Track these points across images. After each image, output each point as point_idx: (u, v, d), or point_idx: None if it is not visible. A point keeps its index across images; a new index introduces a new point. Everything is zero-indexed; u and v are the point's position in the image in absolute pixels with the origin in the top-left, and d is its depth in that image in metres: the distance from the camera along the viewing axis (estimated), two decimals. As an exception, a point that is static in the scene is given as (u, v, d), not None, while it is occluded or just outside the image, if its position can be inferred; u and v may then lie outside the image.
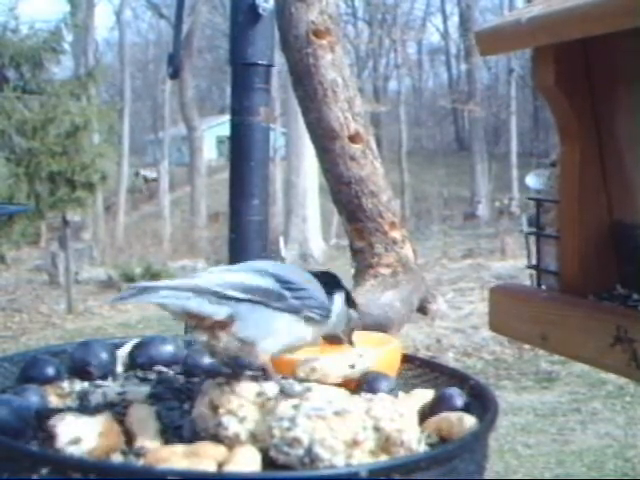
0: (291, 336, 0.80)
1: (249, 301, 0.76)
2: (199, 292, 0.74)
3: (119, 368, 0.93)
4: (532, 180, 1.18)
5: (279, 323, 0.78)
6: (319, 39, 1.49)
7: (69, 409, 0.80)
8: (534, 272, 1.14)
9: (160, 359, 0.93)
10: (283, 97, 15.40)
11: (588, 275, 1.03)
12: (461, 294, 9.99)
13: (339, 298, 0.86)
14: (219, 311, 0.74)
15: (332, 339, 0.88)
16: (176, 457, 0.65)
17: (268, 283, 0.78)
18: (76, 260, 12.40)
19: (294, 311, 0.79)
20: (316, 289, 0.83)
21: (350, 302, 0.89)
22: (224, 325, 0.75)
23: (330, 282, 0.86)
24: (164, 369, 0.92)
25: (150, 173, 25.87)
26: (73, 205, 10.56)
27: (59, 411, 0.77)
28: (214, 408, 0.70)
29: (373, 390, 0.82)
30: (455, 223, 20.03)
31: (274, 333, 0.77)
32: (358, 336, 0.92)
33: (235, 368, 0.86)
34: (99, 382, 0.87)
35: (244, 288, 0.76)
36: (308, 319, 0.80)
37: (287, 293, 0.78)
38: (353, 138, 1.50)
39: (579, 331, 0.96)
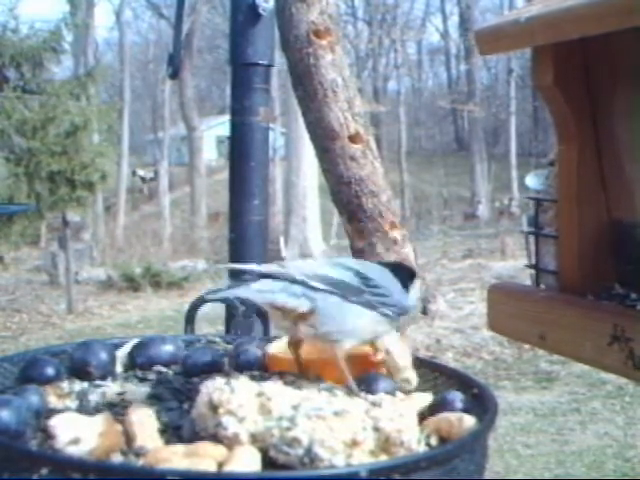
0: (366, 331, 0.83)
1: (329, 292, 0.79)
2: (287, 282, 0.78)
3: (119, 368, 0.93)
4: (532, 180, 1.18)
5: (356, 319, 0.81)
6: (319, 39, 1.49)
7: (69, 409, 0.80)
8: (534, 272, 1.14)
9: (160, 359, 0.93)
10: (283, 97, 15.41)
11: (586, 274, 1.03)
12: (461, 294, 9.99)
13: (414, 293, 0.89)
14: (302, 304, 0.78)
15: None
16: (176, 457, 0.65)
17: (348, 277, 0.82)
18: (76, 260, 12.40)
19: (370, 307, 0.82)
20: (393, 286, 0.85)
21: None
22: (306, 317, 0.79)
23: (405, 274, 0.89)
24: (164, 369, 0.92)
25: (147, 173, 25.85)
26: (73, 205, 10.56)
27: (59, 411, 0.77)
28: (214, 408, 0.70)
29: (372, 390, 0.82)
30: (455, 223, 20.04)
31: (350, 328, 0.81)
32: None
33: (235, 368, 0.86)
34: (99, 382, 0.87)
35: (327, 280, 0.80)
36: (383, 315, 0.83)
37: (365, 288, 0.82)
38: (353, 138, 1.50)
39: (577, 330, 0.96)
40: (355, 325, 0.81)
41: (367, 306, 0.81)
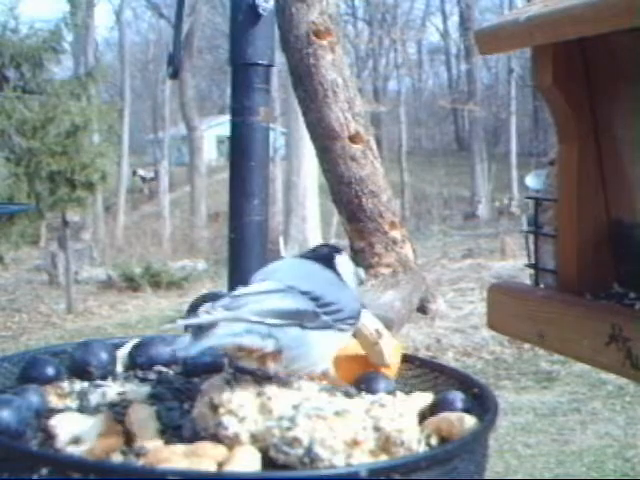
0: (331, 353, 0.82)
1: (287, 326, 0.77)
2: (246, 323, 0.75)
3: (119, 368, 0.93)
4: (532, 180, 1.18)
5: (319, 347, 0.79)
6: (319, 39, 1.49)
7: (69, 409, 0.80)
8: (533, 271, 1.14)
9: (160, 359, 0.93)
10: (283, 97, 15.41)
11: (585, 274, 1.03)
12: (461, 294, 10.00)
13: (349, 276, 0.87)
14: (268, 344, 0.75)
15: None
16: (176, 457, 0.65)
17: (301, 303, 0.79)
18: (76, 260, 12.40)
19: (327, 327, 0.80)
20: (341, 293, 0.83)
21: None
22: (273, 357, 0.77)
23: (329, 255, 0.87)
24: (164, 369, 0.92)
25: (147, 173, 25.88)
26: (73, 205, 10.56)
27: (59, 411, 0.77)
28: (214, 408, 0.70)
29: (372, 390, 0.82)
30: (455, 223, 20.04)
31: (317, 358, 0.80)
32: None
33: (235, 368, 0.86)
34: (99, 382, 0.87)
35: (281, 314, 0.77)
36: (340, 330, 0.81)
37: (319, 310, 0.79)
38: (353, 138, 1.50)
39: (575, 329, 0.96)
40: (320, 354, 0.80)
41: (324, 327, 0.79)
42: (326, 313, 0.80)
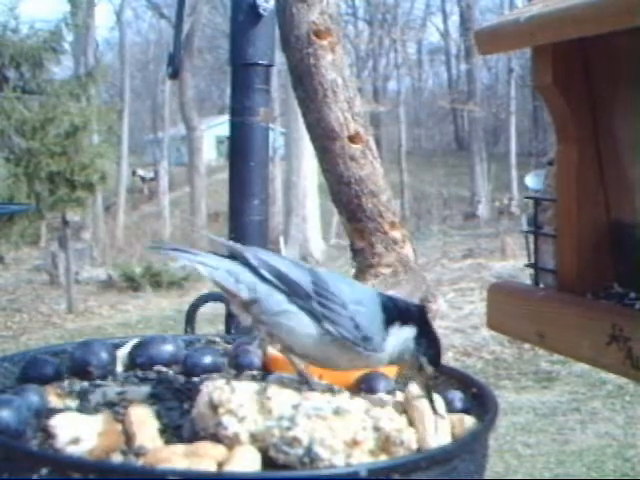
0: (313, 346, 0.77)
1: (275, 287, 0.77)
2: (236, 265, 0.77)
3: (119, 368, 0.93)
4: (531, 180, 1.18)
5: (298, 326, 0.77)
6: (320, 39, 1.49)
7: (69, 409, 0.80)
8: (533, 271, 1.14)
9: (160, 359, 0.93)
10: (283, 97, 15.41)
11: (585, 274, 1.03)
12: (461, 294, 10.00)
13: (400, 335, 0.79)
14: (242, 289, 0.76)
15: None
16: (176, 457, 0.65)
17: (302, 279, 0.78)
18: (76, 260, 12.40)
19: (314, 316, 0.77)
20: (368, 312, 0.78)
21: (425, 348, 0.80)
22: (248, 305, 0.77)
23: (406, 316, 0.80)
24: (164, 369, 0.92)
25: (147, 173, 25.89)
26: (73, 205, 10.57)
27: (59, 411, 0.77)
28: (214, 408, 0.70)
29: (372, 390, 0.82)
30: (455, 223, 20.04)
31: (293, 331, 0.77)
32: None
33: (235, 368, 0.86)
34: (99, 382, 0.87)
35: (277, 273, 0.77)
36: (327, 332, 0.76)
37: (314, 295, 0.77)
38: (353, 138, 1.50)
39: (575, 329, 0.96)
40: (298, 333, 0.77)
41: (310, 314, 0.76)
42: (320, 303, 0.77)
